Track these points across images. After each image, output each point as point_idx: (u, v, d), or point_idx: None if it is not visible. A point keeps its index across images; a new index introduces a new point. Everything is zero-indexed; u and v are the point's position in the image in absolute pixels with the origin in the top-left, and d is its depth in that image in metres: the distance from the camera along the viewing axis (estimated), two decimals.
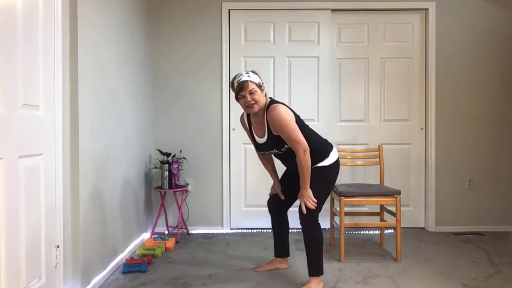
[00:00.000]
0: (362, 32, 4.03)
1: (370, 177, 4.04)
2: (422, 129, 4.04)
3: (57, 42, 2.26)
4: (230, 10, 3.96)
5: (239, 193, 4.01)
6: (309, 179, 2.46)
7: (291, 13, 3.97)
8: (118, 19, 3.06)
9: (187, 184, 3.96)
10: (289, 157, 2.56)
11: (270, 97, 2.60)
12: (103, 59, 2.76)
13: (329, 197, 3.53)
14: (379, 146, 3.51)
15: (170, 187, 3.67)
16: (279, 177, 2.88)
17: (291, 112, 2.51)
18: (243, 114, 2.75)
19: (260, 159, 2.85)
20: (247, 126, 2.71)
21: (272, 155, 2.78)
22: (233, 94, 2.81)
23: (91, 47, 2.56)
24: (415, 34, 4.03)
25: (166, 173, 3.64)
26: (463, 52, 3.98)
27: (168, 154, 3.72)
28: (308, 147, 2.43)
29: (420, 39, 4.03)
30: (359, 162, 3.54)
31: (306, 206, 2.47)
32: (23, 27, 1.96)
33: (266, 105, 2.53)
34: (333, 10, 3.98)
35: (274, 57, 3.98)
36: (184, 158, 3.91)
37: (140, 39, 3.60)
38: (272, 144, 2.55)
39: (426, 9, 3.98)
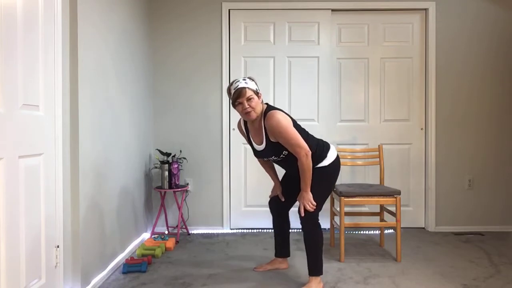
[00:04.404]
0: (362, 32, 4.03)
1: (370, 177, 4.04)
2: (422, 129, 4.04)
3: (57, 42, 2.26)
4: (230, 10, 3.96)
5: (239, 193, 4.01)
6: (310, 183, 2.46)
7: (291, 13, 3.97)
8: (118, 19, 3.06)
9: (187, 184, 3.96)
10: (288, 163, 2.56)
11: (266, 103, 2.59)
12: (103, 59, 2.76)
13: (329, 197, 3.53)
14: (379, 146, 3.51)
15: (170, 187, 3.67)
16: (280, 178, 2.88)
17: (288, 118, 2.50)
18: (240, 120, 2.73)
19: (260, 162, 2.84)
20: (245, 132, 2.70)
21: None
22: None
23: (91, 47, 2.56)
24: (415, 34, 4.03)
25: (166, 173, 3.65)
26: (463, 52, 3.98)
27: (168, 154, 3.72)
28: (310, 150, 2.43)
29: (420, 39, 4.03)
30: (359, 162, 3.54)
31: (305, 209, 2.47)
32: (23, 27, 1.96)
33: (263, 112, 2.52)
34: (333, 10, 3.98)
35: (274, 57, 3.98)
36: (184, 158, 3.91)
37: (140, 39, 3.60)
38: (270, 151, 2.54)
39: (426, 9, 3.98)
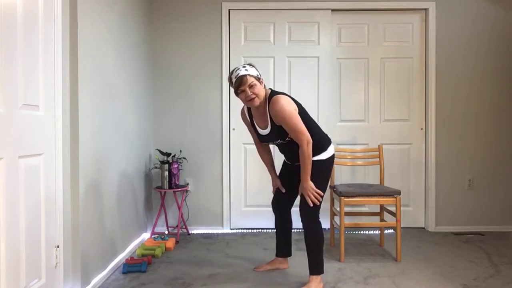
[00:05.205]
0: (362, 32, 4.03)
1: (370, 177, 4.04)
2: (422, 129, 4.04)
3: (57, 42, 2.26)
4: (230, 10, 3.96)
5: (239, 193, 4.01)
6: (310, 172, 2.46)
7: (291, 13, 3.97)
8: (118, 19, 3.06)
9: (187, 184, 3.96)
10: (292, 147, 2.55)
11: (270, 88, 2.60)
12: (103, 59, 2.76)
13: (329, 197, 3.53)
14: (379, 146, 3.51)
15: (170, 187, 3.67)
16: (277, 173, 2.88)
17: (293, 103, 2.50)
18: (243, 107, 2.74)
19: (259, 152, 2.84)
20: (248, 119, 2.70)
21: (274, 146, 2.77)
22: (233, 93, 2.82)
23: (91, 47, 2.56)
24: (415, 34, 4.03)
25: (166, 173, 3.64)
26: (463, 52, 3.98)
27: (168, 154, 3.72)
28: (311, 139, 2.43)
29: (420, 39, 4.03)
30: (359, 162, 3.54)
31: (311, 200, 2.47)
32: (23, 27, 1.96)
33: (267, 96, 2.52)
34: (333, 10, 3.98)
35: (274, 57, 3.98)
36: (184, 158, 3.91)
37: (140, 39, 3.60)
38: (276, 135, 2.54)
39: (426, 9, 3.98)
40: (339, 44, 4.04)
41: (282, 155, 2.81)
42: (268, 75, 3.97)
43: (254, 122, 2.66)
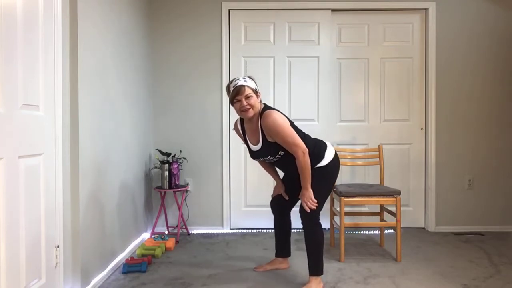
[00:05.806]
0: (362, 32, 4.03)
1: (370, 177, 4.04)
2: (422, 129, 4.04)
3: (57, 42, 2.26)
4: (230, 10, 3.96)
5: (239, 193, 4.01)
6: (310, 180, 2.46)
7: (291, 13, 3.97)
8: (118, 19, 3.06)
9: (187, 184, 3.96)
10: (285, 163, 2.57)
11: (264, 103, 2.60)
12: (103, 59, 2.76)
13: (329, 197, 3.53)
14: (379, 146, 3.51)
15: (170, 187, 3.67)
16: (281, 177, 2.88)
17: (285, 117, 2.51)
18: (236, 121, 2.74)
19: (261, 165, 2.85)
20: (241, 133, 2.70)
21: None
22: None
23: (91, 47, 2.56)
24: (415, 34, 4.03)
25: (166, 173, 3.64)
26: (463, 52, 3.98)
27: (168, 154, 3.72)
28: (307, 148, 2.43)
29: (420, 39, 4.03)
30: (359, 162, 3.54)
31: (307, 207, 2.48)
32: (23, 27, 1.96)
33: (260, 111, 2.53)
34: (333, 10, 3.98)
35: (274, 57, 3.98)
36: (184, 158, 3.91)
37: (140, 39, 3.60)
38: (266, 151, 2.54)
39: (426, 9, 3.98)
40: (339, 44, 4.04)
41: None
42: (268, 75, 3.97)
43: (246, 137, 2.65)
